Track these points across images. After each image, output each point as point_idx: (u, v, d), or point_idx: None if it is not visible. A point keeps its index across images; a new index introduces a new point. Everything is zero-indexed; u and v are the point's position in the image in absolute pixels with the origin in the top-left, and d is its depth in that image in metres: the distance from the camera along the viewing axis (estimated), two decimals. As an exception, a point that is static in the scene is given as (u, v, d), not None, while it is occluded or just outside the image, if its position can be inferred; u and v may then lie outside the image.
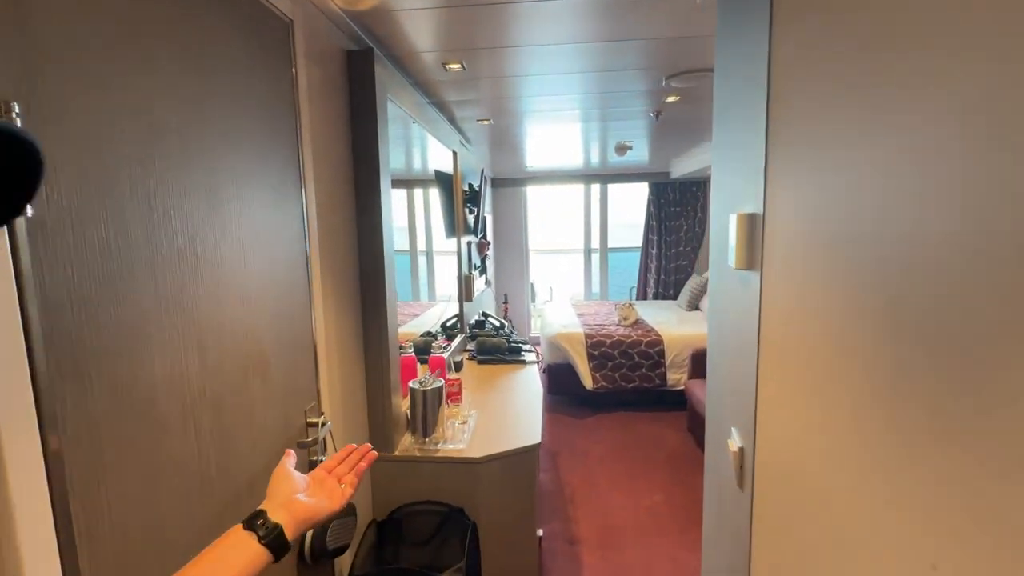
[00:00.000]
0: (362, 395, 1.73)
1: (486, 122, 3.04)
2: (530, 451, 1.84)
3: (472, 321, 3.48)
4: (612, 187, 6.35)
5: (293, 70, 1.28)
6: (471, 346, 3.05)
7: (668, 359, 4.08)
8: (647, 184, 6.02)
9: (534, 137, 3.60)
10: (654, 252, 6.08)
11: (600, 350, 4.11)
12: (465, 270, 3.31)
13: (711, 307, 1.46)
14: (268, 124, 1.18)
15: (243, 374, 1.09)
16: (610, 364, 4.11)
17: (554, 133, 3.48)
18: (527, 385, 2.51)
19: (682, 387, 4.07)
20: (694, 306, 5.24)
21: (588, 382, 4.04)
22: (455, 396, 2.13)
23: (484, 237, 4.06)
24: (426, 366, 2.26)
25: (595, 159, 5.08)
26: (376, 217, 1.67)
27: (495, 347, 2.86)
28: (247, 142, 1.10)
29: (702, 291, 5.19)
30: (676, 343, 4.10)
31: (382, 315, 1.71)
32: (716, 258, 1.37)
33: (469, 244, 3.46)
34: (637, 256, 6.41)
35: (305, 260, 1.35)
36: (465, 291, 3.19)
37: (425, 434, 1.79)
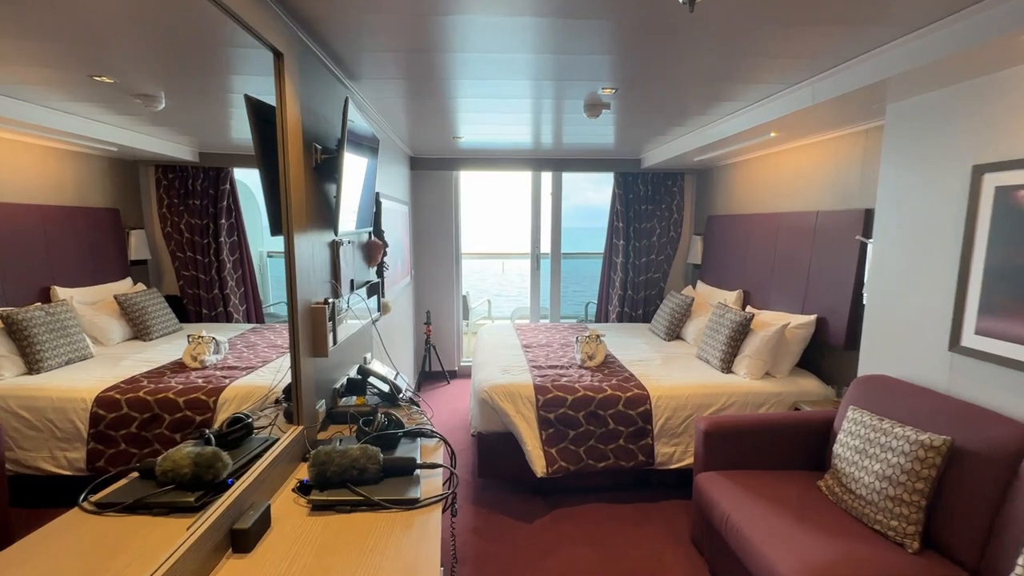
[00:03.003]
0: None
1: (390, 54, 1.57)
2: None
3: (339, 386, 1.95)
4: (569, 177, 4.99)
5: None
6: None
7: (656, 424, 2.74)
8: (612, 175, 4.72)
9: (467, 88, 2.16)
10: (619, 260, 4.79)
11: (558, 412, 2.70)
12: (314, 293, 1.77)
13: None
14: None
15: None
16: (573, 434, 2.71)
17: (497, 88, 2.06)
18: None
19: (675, 466, 2.75)
20: (675, 334, 3.98)
21: (540, 465, 2.62)
22: None
23: (376, 236, 2.54)
24: None
25: (547, 135, 3.67)
26: None
27: (352, 467, 1.36)
28: None
29: (685, 314, 3.94)
30: (667, 400, 2.77)
31: None
32: None
33: (335, 246, 1.92)
34: (598, 264, 5.10)
35: None
36: (313, 336, 1.65)
37: None
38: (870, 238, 2.57)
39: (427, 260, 4.91)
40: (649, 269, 4.80)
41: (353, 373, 2.03)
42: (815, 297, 2.96)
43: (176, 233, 1.41)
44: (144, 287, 1.39)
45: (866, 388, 2.15)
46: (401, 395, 2.03)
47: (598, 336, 3.28)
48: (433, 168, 4.70)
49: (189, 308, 1.50)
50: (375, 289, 2.46)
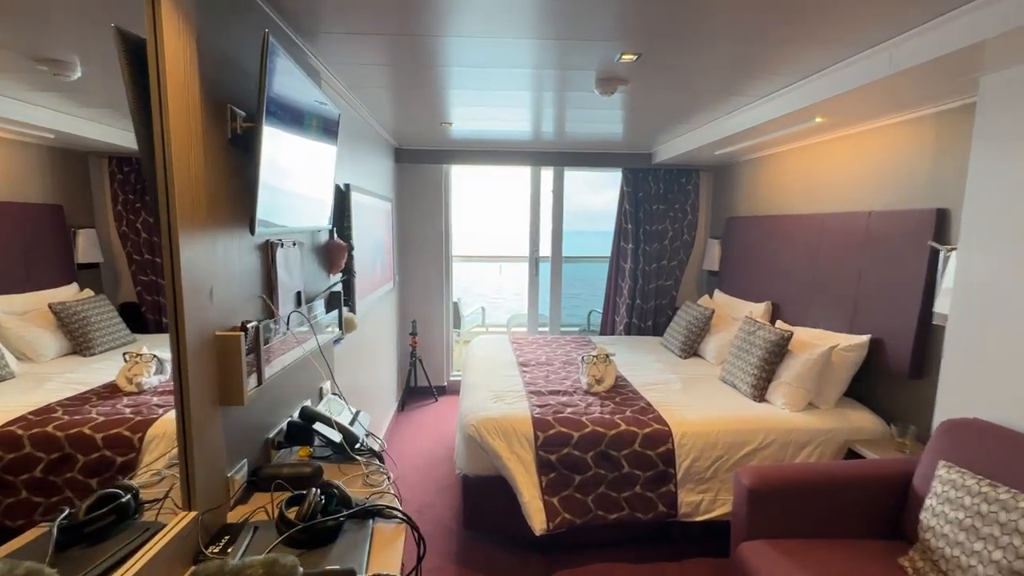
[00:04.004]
0: None
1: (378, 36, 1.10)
2: None
3: (274, 434, 1.47)
4: (567, 179, 4.51)
5: None
6: None
7: (680, 467, 2.26)
8: (620, 172, 4.25)
9: (457, 52, 1.68)
10: (628, 266, 4.31)
11: (561, 452, 2.22)
12: (227, 315, 1.28)
13: None
14: None
15: None
16: (579, 479, 2.23)
17: (492, 52, 1.59)
18: None
19: (703, 518, 2.27)
20: (692, 350, 3.50)
21: (538, 519, 2.13)
22: None
23: (337, 236, 2.05)
24: None
25: (549, 123, 3.20)
26: None
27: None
28: None
29: (703, 328, 3.47)
30: (693, 437, 2.29)
31: None
32: None
33: (269, 249, 1.44)
34: (600, 269, 4.63)
35: None
36: (221, 378, 1.17)
37: None
38: (947, 244, 2.10)
39: (414, 263, 4.43)
40: (660, 276, 4.33)
41: (296, 415, 1.55)
42: (867, 314, 2.49)
43: (133, 233, 1.18)
44: (92, 293, 1.18)
45: (958, 437, 1.67)
46: (359, 444, 1.54)
47: (607, 356, 2.80)
48: (421, 161, 4.22)
49: (148, 317, 1.24)
50: (337, 301, 1.98)
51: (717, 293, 3.95)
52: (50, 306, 1.19)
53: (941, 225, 2.15)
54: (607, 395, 2.66)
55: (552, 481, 2.20)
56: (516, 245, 4.85)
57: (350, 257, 2.14)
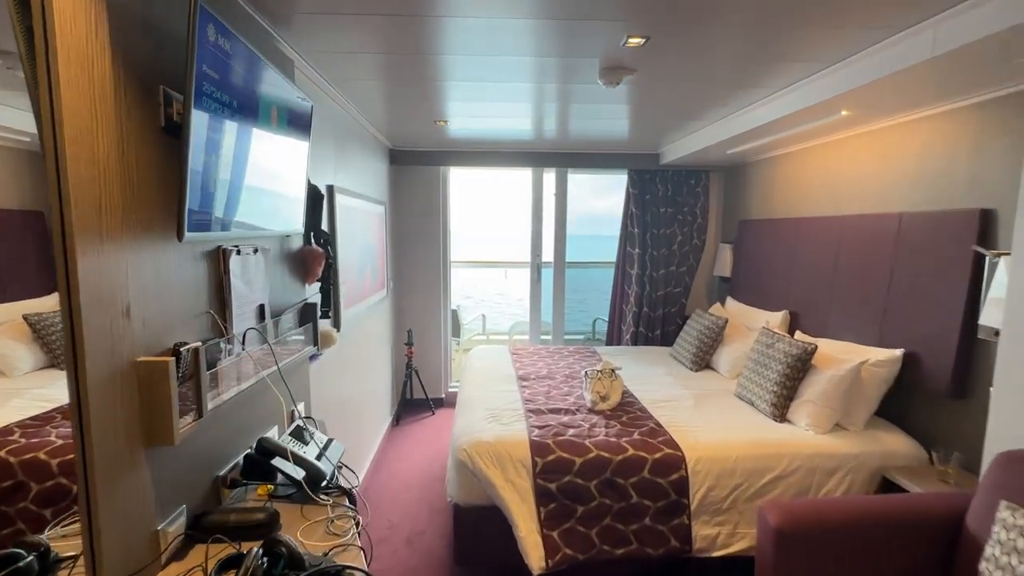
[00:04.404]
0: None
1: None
2: None
3: (227, 470, 1.27)
4: (571, 183, 4.31)
5: None
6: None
7: (695, 497, 2.04)
8: (626, 173, 4.04)
9: (452, 34, 1.49)
10: (635, 272, 4.10)
11: (562, 480, 2.00)
12: (159, 335, 1.09)
13: None
14: None
15: None
16: (582, 510, 2.01)
17: (489, 38, 1.40)
18: None
19: (720, 553, 2.04)
20: (704, 363, 3.27)
21: (536, 556, 1.91)
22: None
23: (316, 242, 1.85)
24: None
25: (551, 120, 3.01)
26: None
27: None
28: None
29: (716, 338, 3.24)
30: (708, 463, 2.07)
31: None
32: None
33: (220, 256, 1.24)
34: (605, 275, 4.42)
35: None
36: (145, 414, 0.97)
37: None
38: (993, 248, 1.87)
39: (410, 270, 4.24)
40: (669, 283, 4.11)
41: (254, 448, 1.35)
42: (899, 325, 2.26)
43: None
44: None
45: (1020, 473, 1.45)
46: (327, 482, 1.34)
47: (612, 371, 2.58)
48: (417, 163, 4.03)
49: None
50: (312, 314, 1.78)
51: (729, 301, 3.73)
52: (24, 317, 1.12)
53: (987, 227, 1.93)
54: (613, 413, 2.45)
55: (552, 512, 1.98)
56: (519, 250, 4.64)
57: (330, 265, 1.94)
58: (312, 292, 1.92)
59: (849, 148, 2.66)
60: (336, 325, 2.35)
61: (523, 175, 4.30)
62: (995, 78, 1.76)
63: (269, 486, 1.32)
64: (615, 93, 2.31)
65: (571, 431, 2.21)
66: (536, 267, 4.42)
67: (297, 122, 1.52)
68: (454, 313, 4.86)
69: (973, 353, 1.97)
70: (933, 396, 2.14)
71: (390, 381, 3.98)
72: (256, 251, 1.43)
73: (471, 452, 2.04)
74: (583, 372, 2.68)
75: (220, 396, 1.18)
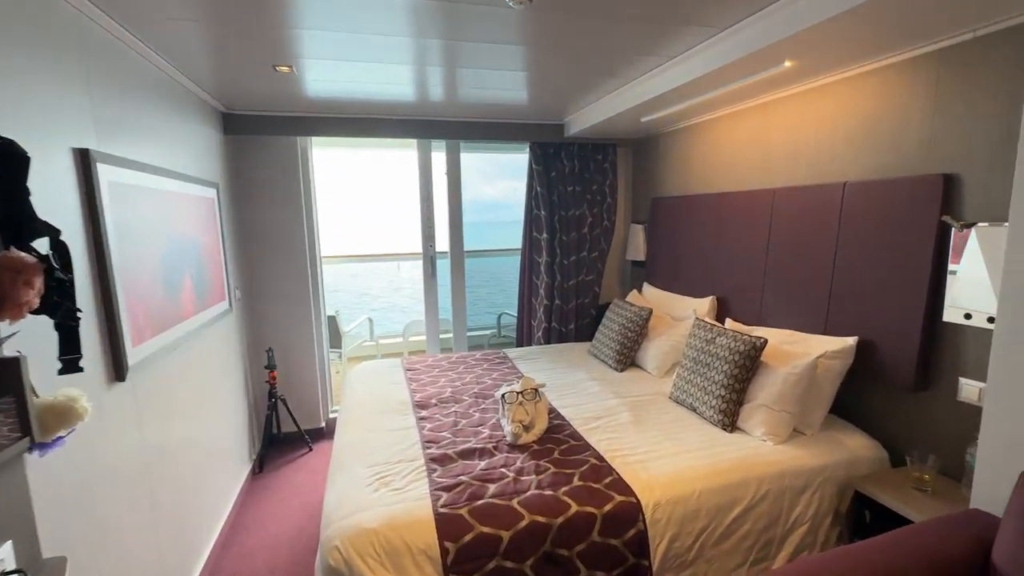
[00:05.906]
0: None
1: None
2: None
3: None
4: (469, 157, 3.67)
5: None
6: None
7: (656, 553, 1.57)
8: (528, 148, 3.50)
9: None
10: (543, 260, 3.61)
11: (485, 569, 1.41)
12: None
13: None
14: None
15: None
16: (515, 604, 1.43)
17: None
18: None
19: (688, 616, 1.61)
20: (628, 361, 2.88)
21: None
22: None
23: (18, 241, 1.03)
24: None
25: (436, 78, 2.33)
26: None
27: None
28: None
29: (640, 332, 2.86)
30: (668, 507, 1.61)
31: None
32: None
33: None
34: (508, 262, 3.88)
35: None
36: None
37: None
38: (960, 219, 1.62)
39: (265, 272, 3.30)
40: (580, 270, 3.68)
41: None
42: (847, 309, 2.00)
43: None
44: None
45: (1058, 496, 1.15)
46: None
47: (535, 390, 2.03)
48: (263, 130, 3.09)
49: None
50: (12, 379, 0.95)
51: (647, 287, 3.40)
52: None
53: (950, 195, 1.68)
54: (541, 446, 1.90)
55: (474, 618, 1.38)
56: (412, 240, 3.89)
57: (62, 283, 1.10)
58: (20, 332, 1.06)
59: (778, 112, 2.37)
60: (119, 372, 1.48)
61: (410, 152, 3.56)
62: (962, 17, 1.47)
63: None
64: (511, 38, 1.71)
65: (492, 488, 1.61)
66: (430, 258, 3.73)
67: None
68: (331, 320, 4.00)
69: (938, 341, 1.73)
70: (891, 388, 1.90)
71: (245, 418, 3.05)
72: None
73: (348, 551, 1.34)
74: (499, 394, 2.10)
75: None
